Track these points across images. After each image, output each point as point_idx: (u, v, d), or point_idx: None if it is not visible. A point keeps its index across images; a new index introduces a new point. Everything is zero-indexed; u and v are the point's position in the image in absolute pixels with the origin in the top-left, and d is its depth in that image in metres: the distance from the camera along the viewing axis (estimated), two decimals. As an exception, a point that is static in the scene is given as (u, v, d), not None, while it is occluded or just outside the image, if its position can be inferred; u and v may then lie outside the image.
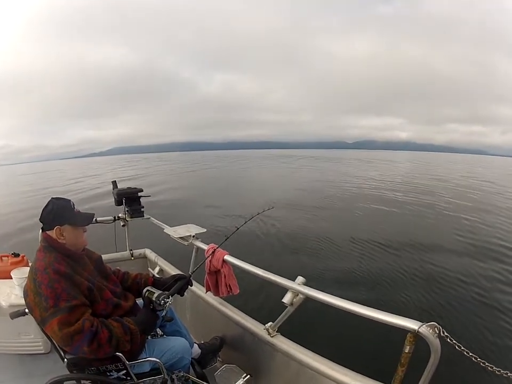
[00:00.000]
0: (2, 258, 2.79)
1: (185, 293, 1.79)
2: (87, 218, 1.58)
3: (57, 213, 1.47)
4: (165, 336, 1.85)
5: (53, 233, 1.46)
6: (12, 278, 2.47)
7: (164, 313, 1.55)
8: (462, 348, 1.18)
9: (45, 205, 1.50)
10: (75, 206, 1.54)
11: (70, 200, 1.55)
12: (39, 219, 1.50)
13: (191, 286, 1.85)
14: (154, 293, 1.54)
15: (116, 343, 1.37)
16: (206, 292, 2.32)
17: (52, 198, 1.53)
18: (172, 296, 1.58)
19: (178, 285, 1.73)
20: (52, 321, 1.28)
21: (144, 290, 1.58)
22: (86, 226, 1.61)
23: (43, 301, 1.29)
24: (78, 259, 1.52)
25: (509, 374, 1.10)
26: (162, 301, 1.51)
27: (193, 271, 1.98)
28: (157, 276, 2.88)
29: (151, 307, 1.54)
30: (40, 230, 1.52)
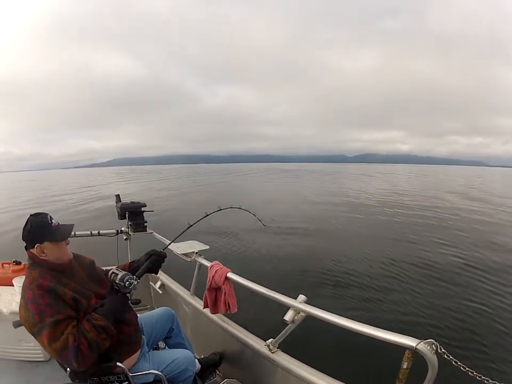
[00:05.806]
0: (4, 265, 2.80)
1: (186, 308, 1.78)
2: (66, 232, 1.53)
3: (35, 231, 1.45)
4: (167, 348, 1.85)
5: (34, 250, 1.46)
6: (12, 285, 2.48)
7: (130, 295, 1.48)
8: (459, 363, 1.23)
9: (25, 223, 1.47)
10: (53, 220, 1.50)
11: (47, 214, 1.50)
12: (22, 238, 1.48)
13: (166, 258, 1.78)
14: (118, 274, 1.47)
15: (96, 347, 1.35)
16: (204, 308, 2.32)
17: (30, 215, 1.49)
18: (139, 276, 1.52)
19: (148, 263, 1.65)
20: (41, 336, 1.29)
21: (110, 273, 1.50)
22: (69, 238, 1.56)
23: (31, 317, 1.31)
24: (63, 270, 1.50)
25: None
26: (127, 282, 1.44)
27: (194, 288, 1.96)
28: (159, 290, 2.88)
29: (117, 289, 1.47)
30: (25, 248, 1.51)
